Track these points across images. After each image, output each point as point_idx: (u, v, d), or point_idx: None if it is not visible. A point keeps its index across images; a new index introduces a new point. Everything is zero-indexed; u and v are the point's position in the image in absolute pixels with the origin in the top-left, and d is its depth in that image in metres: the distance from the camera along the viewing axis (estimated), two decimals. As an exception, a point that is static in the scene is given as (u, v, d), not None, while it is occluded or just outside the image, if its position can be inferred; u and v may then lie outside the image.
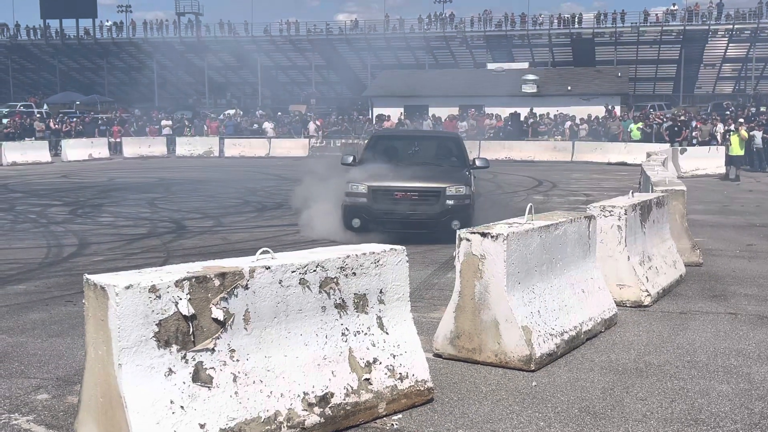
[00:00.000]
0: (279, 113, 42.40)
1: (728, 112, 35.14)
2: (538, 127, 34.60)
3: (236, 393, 4.14)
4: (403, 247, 5.05)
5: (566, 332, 6.06)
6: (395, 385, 4.79)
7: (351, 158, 12.30)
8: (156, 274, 4.08)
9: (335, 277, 4.63)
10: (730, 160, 22.65)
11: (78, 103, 53.73)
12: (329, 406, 4.46)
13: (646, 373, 5.61)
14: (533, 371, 5.55)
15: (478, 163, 12.46)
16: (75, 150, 30.56)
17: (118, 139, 33.25)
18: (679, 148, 25.41)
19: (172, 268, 4.24)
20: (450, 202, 11.10)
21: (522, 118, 36.06)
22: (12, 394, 5.15)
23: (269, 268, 4.33)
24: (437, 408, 4.89)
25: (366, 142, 14.80)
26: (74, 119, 37.74)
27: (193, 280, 4.04)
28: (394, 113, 40.12)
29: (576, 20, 61.54)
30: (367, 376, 4.69)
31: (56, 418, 4.74)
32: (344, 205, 11.30)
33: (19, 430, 4.58)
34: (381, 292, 4.89)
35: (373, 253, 4.86)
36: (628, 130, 31.45)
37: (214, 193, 18.95)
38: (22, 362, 5.85)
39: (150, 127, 36.15)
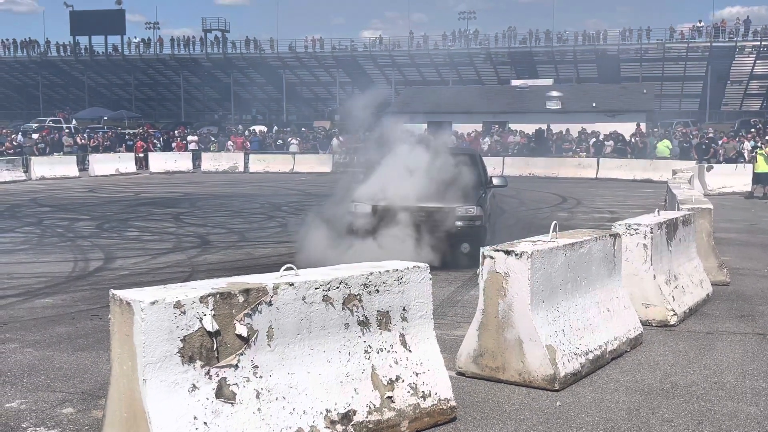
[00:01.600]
0: (303, 129, 42.64)
1: (753, 129, 34.75)
2: (563, 144, 34.46)
3: (259, 409, 4.15)
4: (427, 265, 5.05)
5: (591, 351, 6.01)
6: (418, 403, 4.77)
7: (362, 176, 12.10)
8: (181, 290, 4.11)
9: (358, 294, 4.64)
10: (756, 178, 22.37)
11: (106, 118, 54.45)
12: (351, 423, 4.45)
13: (673, 394, 5.54)
14: (557, 391, 5.50)
15: (495, 181, 12.02)
16: (102, 165, 30.91)
17: (141, 154, 33.58)
18: (706, 165, 25.16)
19: (197, 284, 4.28)
20: (459, 223, 10.57)
21: (545, 135, 35.94)
22: (38, 407, 5.20)
23: (293, 284, 4.35)
24: (460, 427, 4.86)
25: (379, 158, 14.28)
26: (101, 134, 38.21)
27: (218, 296, 4.06)
28: (418, 130, 40.12)
29: (601, 37, 61.41)
30: (389, 394, 4.68)
31: (81, 432, 4.78)
32: (348, 226, 10.75)
33: (45, 443, 4.62)
34: (404, 309, 4.88)
35: (397, 270, 4.86)
36: (654, 146, 31.21)
37: (239, 208, 19.07)
38: (48, 376, 5.91)
39: (177, 142, 36.50)
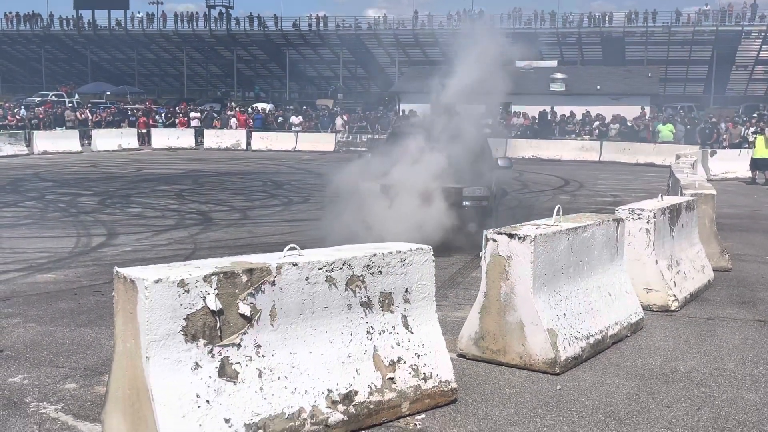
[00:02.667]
0: (304, 107, 42.45)
1: (755, 115, 34.57)
2: (566, 126, 34.33)
3: (261, 388, 4.17)
4: (430, 247, 5.05)
5: (592, 336, 6.02)
6: (419, 384, 4.79)
7: (369, 156, 12.11)
8: (185, 268, 4.12)
9: (361, 275, 4.64)
10: (753, 164, 22.27)
11: (108, 93, 54.28)
12: (353, 404, 4.48)
13: (673, 379, 5.56)
14: (558, 374, 5.52)
15: (500, 163, 12.04)
16: (104, 140, 30.84)
17: (143, 130, 33.52)
18: (709, 150, 25.07)
19: (200, 263, 4.28)
20: (466, 203, 10.61)
21: (549, 117, 35.80)
22: (41, 383, 5.23)
23: (296, 265, 4.35)
24: (460, 409, 4.89)
25: (385, 138, 14.30)
26: (103, 109, 38.08)
27: (221, 275, 4.07)
28: (422, 110, 39.94)
29: (606, 19, 61.01)
30: (391, 375, 4.70)
31: (83, 407, 4.81)
32: (360, 204, 10.58)
33: (48, 418, 4.65)
34: (407, 291, 4.89)
35: (400, 251, 4.86)
36: (657, 130, 31.08)
37: (241, 186, 19.06)
38: (51, 351, 5.94)
39: (180, 119, 36.40)
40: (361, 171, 11.16)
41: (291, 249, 4.53)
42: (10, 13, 70.02)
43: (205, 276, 4.01)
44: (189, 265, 4.21)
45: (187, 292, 3.95)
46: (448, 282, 8.60)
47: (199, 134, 34.13)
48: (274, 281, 4.26)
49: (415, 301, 4.94)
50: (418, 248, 4.97)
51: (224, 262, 4.28)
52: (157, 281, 3.86)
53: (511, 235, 5.64)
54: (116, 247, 10.59)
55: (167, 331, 3.90)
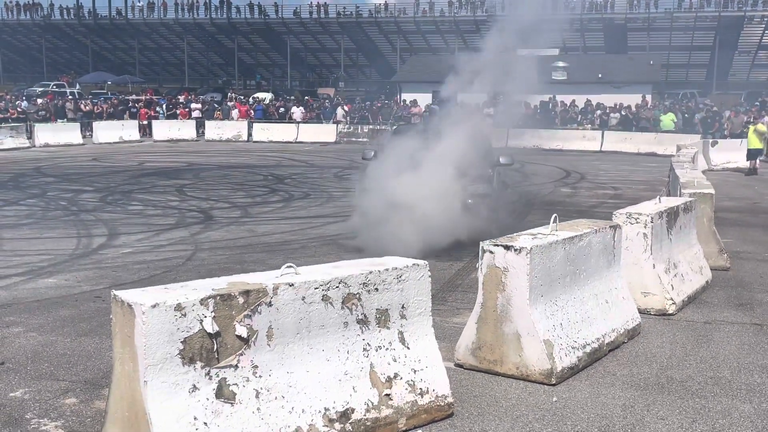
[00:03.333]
0: (306, 97, 42.36)
1: (757, 102, 34.48)
2: (567, 116, 34.25)
3: (258, 409, 4.22)
4: (426, 262, 5.08)
5: (588, 345, 6.06)
6: (415, 400, 4.84)
7: (372, 153, 12.18)
8: (182, 291, 4.15)
9: (357, 293, 4.68)
10: (749, 154, 22.35)
11: (109, 83, 54.22)
12: (350, 421, 4.52)
13: (668, 389, 5.60)
14: (554, 385, 5.56)
15: (502, 160, 12.12)
16: (106, 132, 30.86)
17: (145, 122, 33.51)
18: (710, 140, 25.03)
19: (197, 284, 4.32)
20: (469, 201, 10.74)
21: (550, 106, 35.71)
22: (41, 397, 5.28)
23: (292, 285, 4.39)
24: (457, 423, 4.93)
25: (390, 133, 14.38)
26: (103, 99, 38.03)
27: (218, 298, 4.11)
28: (423, 99, 39.84)
29: (608, 5, 60.68)
30: (387, 391, 4.74)
31: (83, 424, 4.86)
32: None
33: (48, 435, 4.70)
34: (403, 307, 4.93)
35: (396, 268, 4.89)
36: (658, 120, 31.01)
37: (242, 180, 19.09)
38: (51, 363, 5.99)
39: (181, 110, 36.37)
40: (367, 177, 11.24)
41: (288, 267, 4.56)
42: (11, 2, 69.75)
43: (202, 299, 4.05)
44: (186, 287, 4.24)
45: (184, 315, 3.99)
46: (447, 285, 8.62)
47: (200, 125, 34.13)
48: (270, 302, 4.29)
49: (411, 317, 4.97)
50: (414, 264, 5.00)
51: (221, 283, 4.32)
52: (154, 306, 3.90)
53: (507, 247, 5.66)
54: (117, 248, 10.63)
55: (165, 355, 3.94)
